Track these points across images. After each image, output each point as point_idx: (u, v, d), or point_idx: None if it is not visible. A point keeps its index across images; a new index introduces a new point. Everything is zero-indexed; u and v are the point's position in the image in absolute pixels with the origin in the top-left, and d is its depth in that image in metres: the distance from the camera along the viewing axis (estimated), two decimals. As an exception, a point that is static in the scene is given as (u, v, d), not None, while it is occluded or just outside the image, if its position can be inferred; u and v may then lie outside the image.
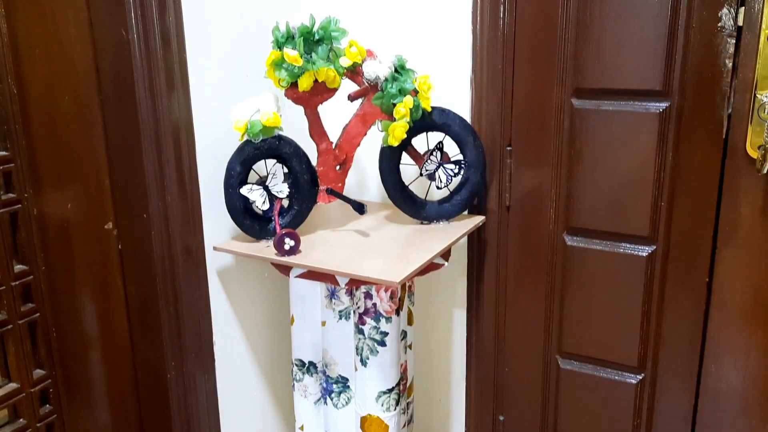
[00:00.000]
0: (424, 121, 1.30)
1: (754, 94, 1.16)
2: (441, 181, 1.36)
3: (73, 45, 1.10)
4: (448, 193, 1.40)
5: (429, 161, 1.35)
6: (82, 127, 1.14)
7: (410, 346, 1.46)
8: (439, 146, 1.34)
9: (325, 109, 1.28)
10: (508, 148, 1.42)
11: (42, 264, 1.12)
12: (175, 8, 1.16)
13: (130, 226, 1.21)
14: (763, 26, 1.14)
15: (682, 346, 1.35)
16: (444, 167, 1.35)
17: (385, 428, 1.32)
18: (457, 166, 1.36)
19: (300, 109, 1.27)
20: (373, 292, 1.26)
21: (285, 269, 1.27)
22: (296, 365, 1.42)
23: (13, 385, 1.11)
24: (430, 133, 1.36)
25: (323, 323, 1.35)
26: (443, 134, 1.35)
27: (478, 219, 1.43)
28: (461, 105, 1.41)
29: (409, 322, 1.45)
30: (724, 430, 1.34)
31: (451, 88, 1.42)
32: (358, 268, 1.17)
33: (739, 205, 1.23)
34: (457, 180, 1.38)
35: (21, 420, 1.13)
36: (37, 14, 1.06)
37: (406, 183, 1.38)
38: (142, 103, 1.14)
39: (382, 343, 1.28)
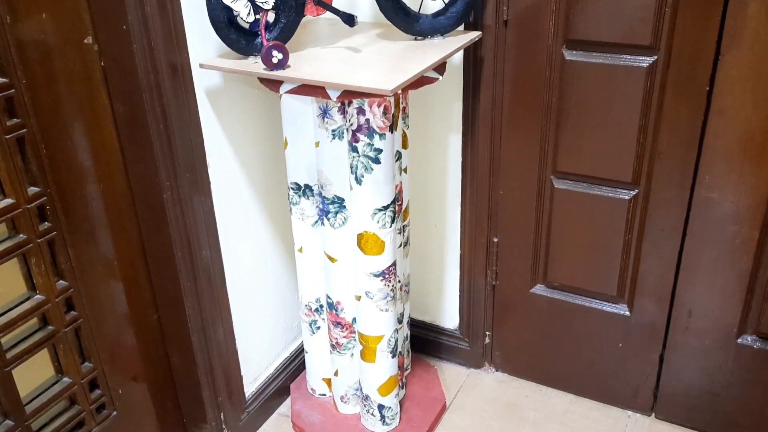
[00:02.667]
0: None
1: None
2: (435, -9, 1.29)
3: None
4: (443, 5, 1.34)
5: (422, -32, 1.27)
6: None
7: (405, 170, 1.46)
8: (433, -50, 1.26)
9: None
10: (507, -45, 1.34)
11: (23, 77, 1.08)
12: None
13: (110, 40, 1.16)
14: None
15: (677, 158, 1.35)
16: (438, -25, 1.28)
17: (381, 244, 1.35)
18: (452, -26, 1.28)
19: None
20: (366, 108, 1.23)
21: (274, 85, 1.23)
22: (292, 189, 1.43)
23: (8, 201, 1.11)
24: (422, -63, 1.27)
25: (317, 144, 1.34)
26: (437, -63, 1.27)
27: (474, 34, 1.38)
28: None
29: (404, 145, 1.43)
30: (714, 238, 1.37)
31: None
32: (349, 79, 1.14)
33: (747, 5, 1.17)
34: (451, -10, 1.31)
35: (21, 235, 1.14)
36: None
37: (399, -6, 1.31)
38: None
39: (377, 161, 1.27)
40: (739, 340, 1.43)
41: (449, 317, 1.80)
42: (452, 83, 1.49)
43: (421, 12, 1.34)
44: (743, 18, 1.18)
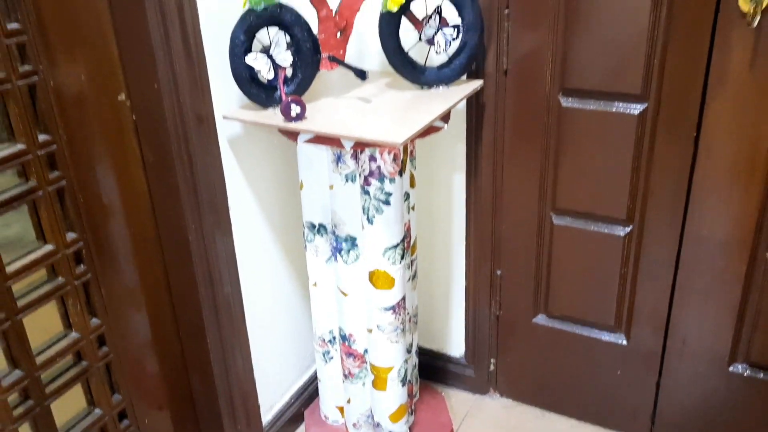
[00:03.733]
0: (423, -17, 1.32)
1: (749, -55, 1.17)
2: (440, 46, 1.39)
3: None
4: (447, 58, 1.44)
5: (428, 26, 1.37)
6: (85, -2, 1.16)
7: (413, 208, 1.55)
8: (438, 10, 1.36)
9: (323, -25, 1.30)
10: (506, 11, 1.44)
11: (63, 133, 1.18)
12: None
13: (142, 97, 1.26)
14: None
15: (668, 197, 1.44)
16: (443, 31, 1.38)
17: (391, 280, 1.44)
18: (456, 31, 1.38)
19: (299, -25, 1.28)
20: (377, 155, 1.33)
21: (293, 135, 1.33)
22: (307, 227, 1.52)
23: (49, 247, 1.20)
24: (428, -3, 1.37)
25: (331, 187, 1.43)
26: (441, -3, 1.37)
27: (477, 83, 1.48)
28: (459, -33, 1.41)
29: (412, 184, 1.53)
30: (704, 271, 1.46)
31: (449, -51, 1.41)
32: (362, 131, 1.23)
33: (730, 58, 1.27)
34: (455, 44, 1.41)
35: (60, 278, 1.24)
36: None
37: (406, 49, 1.41)
38: (143, -29, 1.16)
39: (387, 202, 1.36)
40: (731, 368, 1.51)
41: (455, 345, 1.89)
42: (456, 126, 1.59)
43: (426, 64, 1.44)
44: (727, 69, 1.28)
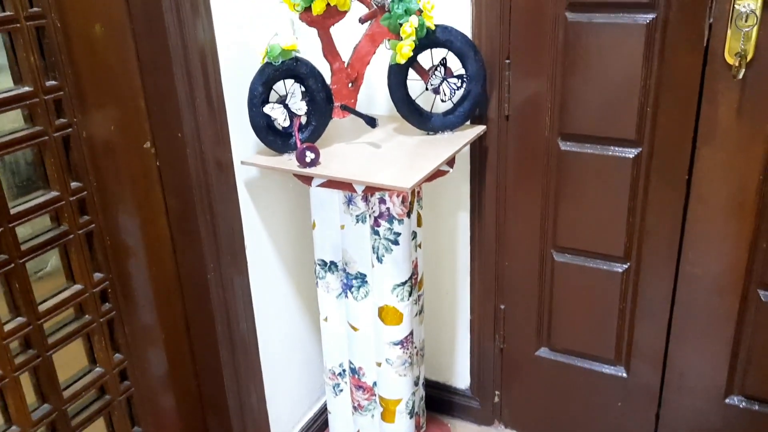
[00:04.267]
0: (429, 38, 1.41)
1: (733, 5, 1.26)
2: (445, 95, 1.48)
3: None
4: (452, 105, 1.52)
5: (434, 76, 1.46)
6: (117, 54, 1.25)
7: (420, 245, 1.62)
8: (443, 62, 1.45)
9: (336, 30, 1.39)
10: (507, 61, 1.53)
11: (93, 180, 1.26)
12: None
13: (167, 145, 1.34)
14: (744, -61, 1.22)
15: (663, 237, 1.51)
16: (447, 81, 1.47)
17: (400, 316, 1.50)
18: (460, 80, 1.47)
19: (313, 30, 1.37)
20: (387, 198, 1.40)
21: (307, 180, 1.41)
22: (319, 265, 1.59)
23: (78, 287, 1.28)
24: (434, 50, 1.46)
25: (342, 226, 1.51)
26: (446, 50, 1.46)
27: (480, 128, 1.56)
28: (463, 21, 1.51)
29: (419, 223, 1.60)
30: (699, 308, 1.52)
31: (453, 4, 1.50)
32: (372, 176, 1.31)
33: (717, 108, 1.35)
34: (459, 93, 1.50)
35: (86, 316, 1.30)
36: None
37: (413, 97, 1.50)
38: (171, 30, 1.24)
39: (396, 242, 1.44)
40: (727, 401, 1.57)
41: (461, 378, 1.94)
42: (461, 168, 1.67)
43: (432, 111, 1.53)
44: (715, 118, 1.36)
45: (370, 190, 1.36)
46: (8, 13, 1.07)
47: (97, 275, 1.31)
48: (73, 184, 1.24)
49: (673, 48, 1.35)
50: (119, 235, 1.34)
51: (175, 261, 1.45)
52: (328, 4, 1.30)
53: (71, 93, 1.20)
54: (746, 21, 1.25)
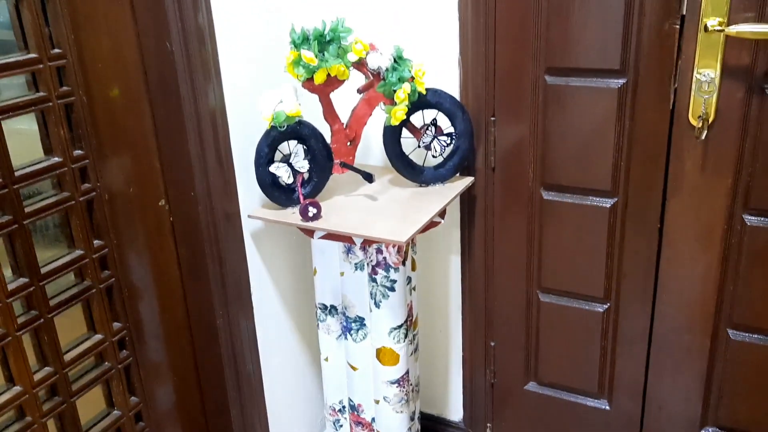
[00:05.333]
0: (420, 101, 1.53)
1: (694, 74, 1.39)
2: (436, 151, 1.60)
3: (125, 55, 1.31)
4: (442, 159, 1.65)
5: (425, 135, 1.59)
6: (134, 118, 1.36)
7: (414, 288, 1.74)
8: (434, 122, 1.58)
9: (335, 95, 1.51)
10: (492, 119, 1.65)
11: (114, 238, 1.37)
12: (207, 12, 1.36)
13: (180, 202, 1.45)
14: (702, 15, 1.36)
15: (639, 279, 1.63)
16: (438, 139, 1.59)
17: (397, 357, 1.61)
18: (449, 138, 1.60)
19: (315, 95, 1.50)
20: (383, 248, 1.52)
21: (309, 232, 1.52)
22: (320, 308, 1.70)
23: (98, 337, 1.38)
24: (425, 110, 1.59)
25: (341, 273, 1.62)
26: (437, 111, 1.59)
27: (468, 180, 1.68)
28: (451, 83, 1.64)
29: (413, 268, 1.72)
30: (674, 344, 1.64)
31: (443, 68, 1.63)
32: (370, 230, 1.43)
33: (684, 163, 1.48)
34: (449, 149, 1.62)
35: (106, 363, 1.41)
36: (95, 32, 1.27)
37: (407, 153, 1.62)
38: (185, 96, 1.36)
39: (392, 289, 1.55)
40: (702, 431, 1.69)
41: (454, 411, 2.05)
42: (452, 215, 1.79)
43: (425, 164, 1.65)
44: (682, 172, 1.49)
45: (368, 242, 1.47)
46: (42, 93, 1.19)
47: (116, 325, 1.42)
48: (96, 242, 1.35)
49: (643, 109, 1.48)
50: (135, 286, 1.44)
51: (186, 308, 1.55)
52: (328, 75, 1.43)
53: (95, 158, 1.31)
54: (707, 88, 1.39)
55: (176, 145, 1.40)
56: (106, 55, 1.29)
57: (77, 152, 1.28)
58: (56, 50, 1.21)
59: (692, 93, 1.41)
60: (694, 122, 1.43)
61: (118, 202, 1.37)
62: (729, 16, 1.33)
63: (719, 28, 1.33)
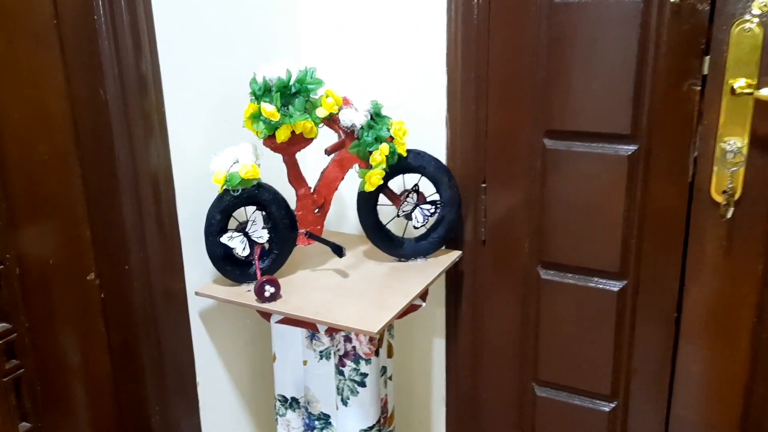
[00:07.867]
0: (400, 164, 1.33)
1: (717, 142, 1.20)
2: (418, 221, 1.39)
3: (51, 106, 1.11)
4: (425, 230, 1.43)
5: (406, 202, 1.38)
6: (60, 179, 1.15)
7: (390, 378, 1.50)
8: (415, 188, 1.37)
9: (303, 154, 1.30)
10: (483, 185, 1.45)
11: (25, 321, 1.13)
12: (152, 57, 1.17)
13: (112, 277, 1.23)
14: (727, 76, 1.17)
15: (652, 376, 1.40)
16: (420, 207, 1.39)
17: (367, 462, 1.36)
18: (433, 206, 1.39)
19: (279, 155, 1.29)
20: (353, 336, 1.29)
21: (266, 315, 1.29)
22: (279, 401, 1.45)
23: (-2, 439, 1.13)
24: (406, 175, 1.38)
25: (304, 362, 1.38)
26: (419, 175, 1.38)
27: (455, 254, 1.47)
28: (437, 145, 1.44)
29: (389, 355, 1.48)
30: (692, 457, 1.40)
31: (428, 127, 1.44)
32: (336, 316, 1.20)
33: (705, 245, 1.27)
34: (433, 219, 1.41)
35: (8, 473, 1.15)
36: (15, 79, 1.07)
37: (384, 222, 1.41)
38: (120, 152, 1.17)
39: (362, 384, 1.31)
40: None
41: None
42: (435, 292, 1.57)
43: (405, 236, 1.44)
44: (703, 256, 1.28)
45: (334, 330, 1.24)
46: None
47: (24, 426, 1.16)
48: (1, 326, 1.11)
49: (657, 182, 1.29)
50: (53, 379, 1.20)
51: (116, 403, 1.30)
52: (293, 132, 1.22)
53: (4, 226, 1.09)
54: (733, 158, 1.19)
55: (109, 211, 1.19)
56: (26, 106, 1.08)
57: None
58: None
59: (715, 164, 1.22)
60: (717, 198, 1.23)
61: (34, 276, 1.14)
62: (759, 76, 1.14)
63: (748, 90, 1.15)
